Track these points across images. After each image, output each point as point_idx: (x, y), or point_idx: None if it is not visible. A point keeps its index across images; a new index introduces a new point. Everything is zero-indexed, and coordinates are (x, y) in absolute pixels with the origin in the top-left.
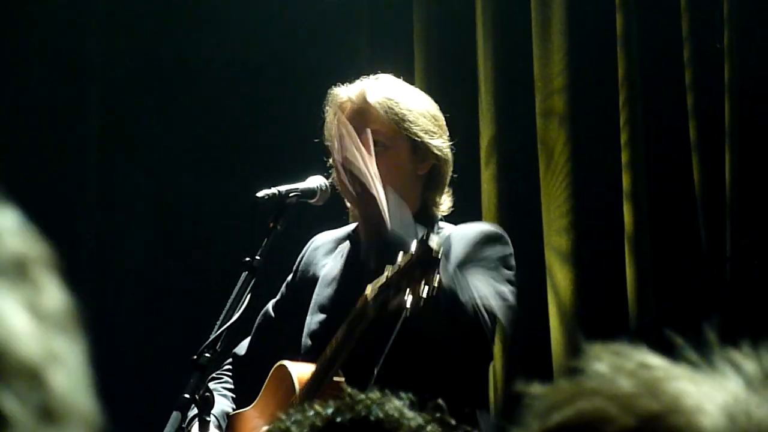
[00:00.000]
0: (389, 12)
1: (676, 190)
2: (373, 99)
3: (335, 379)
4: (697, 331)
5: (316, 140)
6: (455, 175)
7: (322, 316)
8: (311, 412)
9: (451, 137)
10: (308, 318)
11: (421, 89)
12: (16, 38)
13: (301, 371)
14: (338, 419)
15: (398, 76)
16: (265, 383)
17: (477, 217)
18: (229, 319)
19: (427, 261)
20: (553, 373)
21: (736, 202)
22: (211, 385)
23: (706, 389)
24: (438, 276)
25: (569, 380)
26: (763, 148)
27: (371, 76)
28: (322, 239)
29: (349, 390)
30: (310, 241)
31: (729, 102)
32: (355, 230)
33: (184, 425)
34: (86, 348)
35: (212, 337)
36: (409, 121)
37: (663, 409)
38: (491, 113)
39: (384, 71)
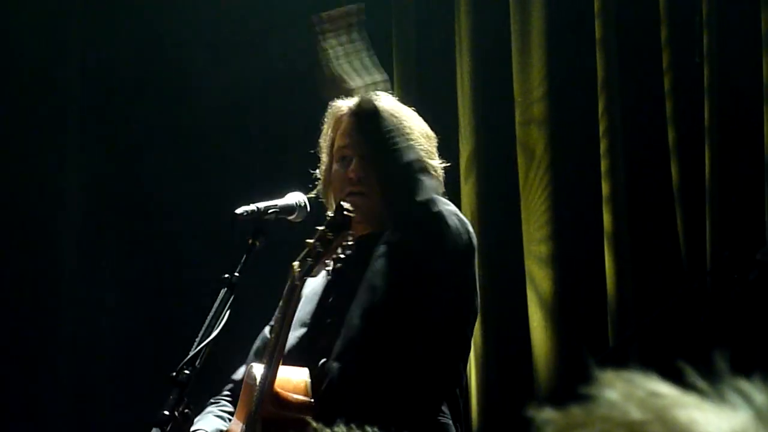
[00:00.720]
0: (368, 27)
1: (655, 197)
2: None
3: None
4: (676, 345)
5: (294, 155)
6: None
7: (301, 331)
8: None
9: None
10: (290, 335)
11: (401, 103)
12: None
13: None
14: None
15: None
16: (241, 390)
17: None
18: (208, 335)
19: (338, 223)
20: (534, 380)
21: (716, 212)
22: (210, 408)
23: (716, 419)
24: (349, 235)
25: (580, 407)
26: (742, 155)
27: (368, 92)
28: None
29: (314, 424)
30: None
31: (708, 108)
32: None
33: None
34: None
35: (191, 353)
36: (412, 139)
37: None
38: (471, 127)
39: None
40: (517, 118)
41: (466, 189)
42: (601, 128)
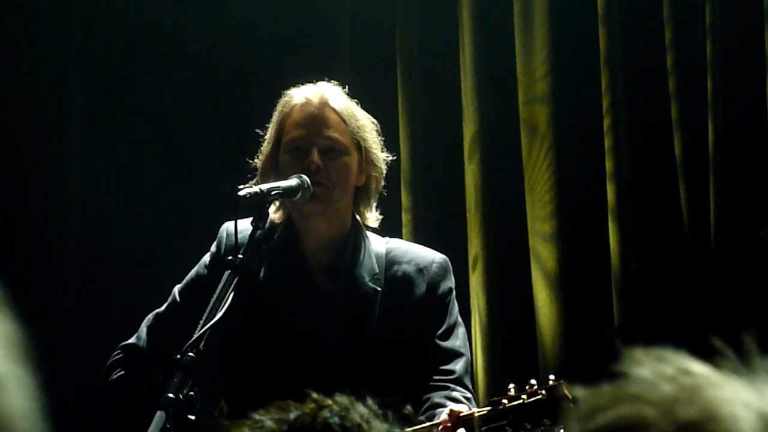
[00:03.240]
0: (369, 8)
1: (659, 173)
2: (337, 105)
3: None
4: (681, 324)
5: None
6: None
7: (281, 345)
8: (271, 420)
9: (435, 133)
10: (245, 327)
11: (404, 85)
12: None
13: None
14: (298, 425)
15: (380, 72)
16: None
17: (461, 210)
18: (212, 318)
19: (557, 408)
20: (538, 357)
21: (720, 187)
22: None
23: (745, 396)
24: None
25: (612, 384)
26: (745, 130)
27: (319, 83)
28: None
29: (314, 395)
30: (224, 229)
31: (711, 83)
32: (291, 240)
33: (168, 425)
34: (31, 374)
35: (195, 336)
36: (366, 132)
37: (700, 416)
38: (474, 108)
39: (365, 67)
40: (521, 98)
41: (470, 169)
42: (605, 105)
